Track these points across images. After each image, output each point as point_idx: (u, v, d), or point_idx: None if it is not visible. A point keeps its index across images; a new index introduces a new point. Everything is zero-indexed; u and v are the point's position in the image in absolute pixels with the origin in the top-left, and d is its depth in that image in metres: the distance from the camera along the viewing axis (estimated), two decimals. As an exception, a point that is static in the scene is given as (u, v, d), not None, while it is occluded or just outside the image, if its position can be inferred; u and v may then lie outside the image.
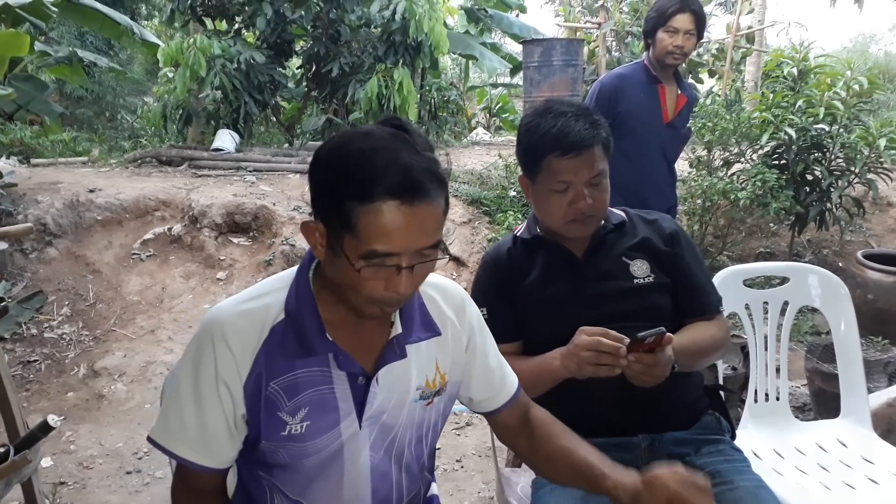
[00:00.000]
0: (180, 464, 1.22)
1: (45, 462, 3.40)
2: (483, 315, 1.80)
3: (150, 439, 1.22)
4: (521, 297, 1.77)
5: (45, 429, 2.81)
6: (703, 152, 5.16)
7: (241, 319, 1.19)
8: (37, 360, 4.42)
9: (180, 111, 7.83)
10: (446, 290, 1.37)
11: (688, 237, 1.85)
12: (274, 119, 9.04)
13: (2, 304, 4.56)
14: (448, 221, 5.70)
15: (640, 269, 1.76)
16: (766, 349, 2.19)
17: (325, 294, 1.21)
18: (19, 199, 5.57)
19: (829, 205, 4.79)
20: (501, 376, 1.42)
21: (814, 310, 4.70)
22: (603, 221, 1.79)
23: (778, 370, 2.21)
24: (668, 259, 1.77)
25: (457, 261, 5.30)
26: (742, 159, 5.04)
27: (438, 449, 3.49)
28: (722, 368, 2.63)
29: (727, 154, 5.10)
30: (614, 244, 1.79)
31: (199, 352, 1.19)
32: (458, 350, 1.34)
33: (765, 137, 4.72)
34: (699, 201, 5.04)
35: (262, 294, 1.24)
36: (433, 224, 1.10)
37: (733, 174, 5.01)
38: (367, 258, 1.08)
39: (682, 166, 5.50)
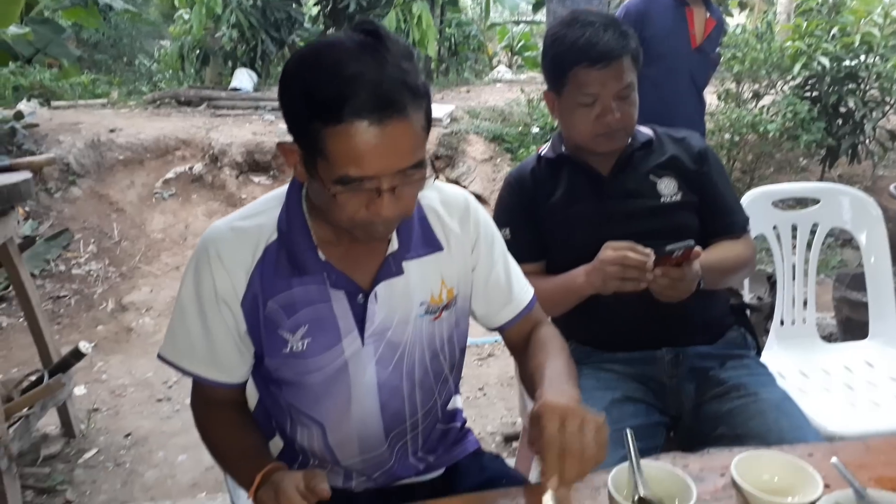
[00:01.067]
0: (195, 379, 1.24)
1: (79, 391, 3.50)
2: (506, 236, 1.78)
3: (160, 357, 1.23)
4: (546, 217, 1.75)
5: (77, 355, 2.89)
6: (731, 84, 5.03)
7: (234, 239, 1.18)
8: (66, 296, 4.52)
9: (197, 51, 7.77)
10: (449, 200, 1.30)
11: (716, 156, 1.80)
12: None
13: (31, 241, 4.64)
14: (469, 159, 5.66)
15: (667, 188, 1.72)
16: (793, 276, 2.16)
17: (317, 213, 1.17)
18: (41, 139, 5.61)
19: (861, 137, 4.67)
20: (508, 289, 1.36)
21: (843, 244, 4.66)
22: (630, 139, 1.74)
23: (805, 295, 2.18)
24: (696, 177, 1.73)
25: (478, 198, 5.27)
26: (773, 91, 4.91)
27: (461, 378, 3.53)
28: (748, 298, 2.61)
29: (757, 86, 4.97)
30: (641, 162, 1.74)
31: (198, 270, 1.18)
32: (465, 263, 1.30)
33: (797, 67, 4.57)
34: (727, 135, 4.93)
35: (256, 213, 1.21)
36: (410, 142, 1.02)
37: (763, 107, 4.88)
38: (342, 183, 1.01)
39: (709, 99, 5.37)
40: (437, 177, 1.11)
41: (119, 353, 3.90)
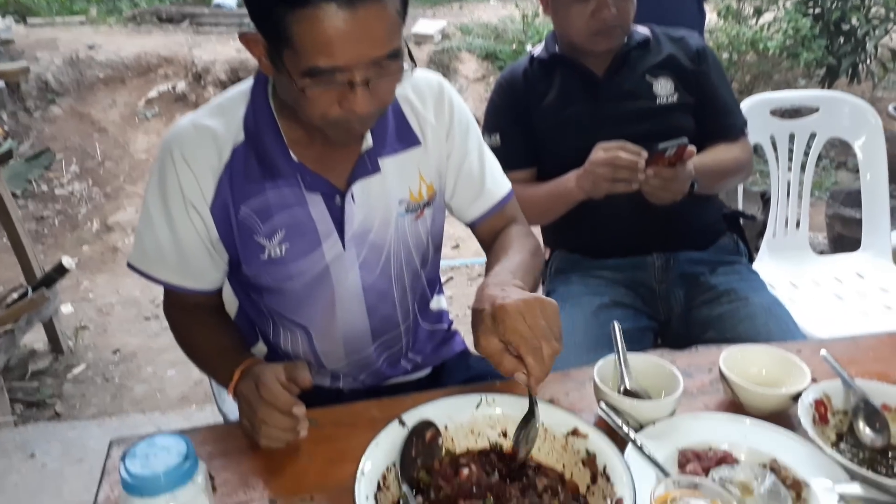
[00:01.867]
0: (166, 287, 1.19)
1: (66, 309, 3.48)
2: (495, 142, 1.73)
3: (129, 265, 1.17)
4: (538, 121, 1.68)
5: (60, 270, 2.85)
6: (732, 0, 4.86)
7: (199, 138, 1.09)
8: (50, 216, 4.45)
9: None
10: (421, 86, 1.20)
11: (715, 55, 1.73)
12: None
13: (8, 159, 4.53)
14: (461, 78, 5.51)
15: (663, 89, 1.65)
16: (788, 189, 2.11)
17: (287, 111, 1.08)
18: (18, 56, 5.39)
19: (862, 56, 4.55)
20: (481, 181, 1.28)
21: (837, 166, 4.61)
22: (626, 38, 1.66)
23: (800, 207, 2.14)
24: (694, 77, 1.66)
25: (469, 118, 5.16)
26: (774, 7, 4.74)
27: (450, 297, 3.53)
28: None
29: (758, 2, 4.80)
30: (637, 62, 1.67)
31: (163, 172, 1.11)
32: (440, 154, 1.22)
33: (800, -19, 4.41)
34: (725, 54, 4.80)
35: (221, 111, 1.12)
36: (384, 28, 0.92)
37: (764, 24, 4.73)
38: (311, 75, 0.92)
39: (709, 17, 5.19)
40: (414, 67, 1.01)
41: (105, 273, 3.87)
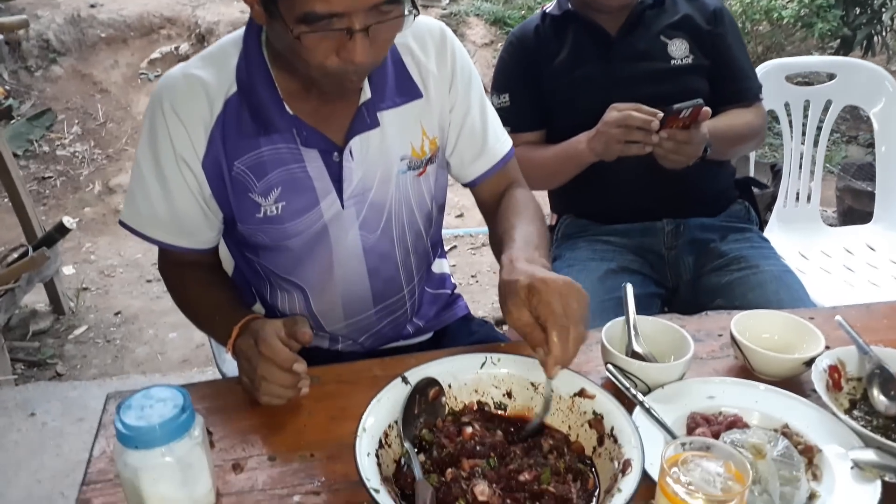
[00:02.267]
0: (160, 246, 1.16)
1: (68, 270, 3.46)
2: (504, 102, 1.68)
3: (122, 223, 1.14)
4: (549, 81, 1.64)
5: (61, 230, 2.82)
6: (746, -32, 4.74)
7: (189, 89, 1.04)
8: (52, 177, 4.41)
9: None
10: (422, 33, 1.14)
11: (731, 17, 1.68)
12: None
13: (10, 119, 4.48)
14: (468, 43, 5.41)
15: (678, 50, 1.60)
16: (800, 162, 2.07)
17: (282, 62, 1.03)
18: (18, 13, 5.30)
19: (878, 27, 4.45)
20: (483, 138, 1.22)
21: (848, 140, 4.54)
22: (641, -4, 1.61)
23: (812, 177, 2.10)
24: (710, 38, 1.61)
25: (476, 86, 5.08)
26: (789, -24, 4.63)
27: (453, 266, 3.51)
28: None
29: (773, -30, 4.68)
30: (652, 22, 1.62)
31: (153, 126, 1.07)
32: (443, 106, 1.16)
33: (817, -51, 4.29)
34: (738, 23, 4.69)
35: (212, 61, 1.07)
36: None
37: (778, -7, 4.62)
38: (306, 22, 0.88)
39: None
40: (416, 13, 0.96)
41: (107, 235, 3.84)
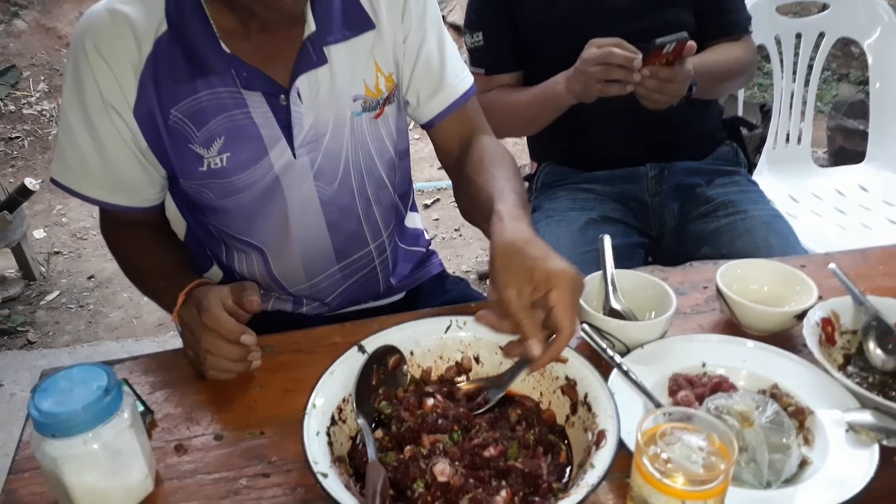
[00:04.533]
0: (97, 205, 1.05)
1: (38, 234, 3.36)
2: (477, 41, 1.57)
3: (53, 181, 1.03)
4: (524, 16, 1.52)
5: (23, 192, 2.70)
6: None
7: (114, 27, 0.93)
8: (19, 137, 4.25)
9: None
10: None
11: (719, -58, 1.55)
12: None
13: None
14: (447, -13, 5.20)
15: (662, -20, 1.49)
16: (791, 97, 1.97)
17: None
18: (-26, -35, 5.05)
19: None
20: (441, 71, 1.10)
21: (839, 78, 4.42)
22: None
23: (803, 114, 2.01)
24: (695, -34, 1.49)
25: (458, 30, 4.90)
26: None
27: (437, 220, 3.42)
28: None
29: None
30: (634, -50, 1.50)
31: (77, 70, 0.95)
32: (398, 38, 1.06)
33: None
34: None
35: None
36: None
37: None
38: None
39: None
40: None
41: (78, 196, 3.72)
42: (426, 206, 3.52)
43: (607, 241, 0.98)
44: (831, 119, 2.94)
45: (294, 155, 1.02)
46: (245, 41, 0.96)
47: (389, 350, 0.83)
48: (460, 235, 3.30)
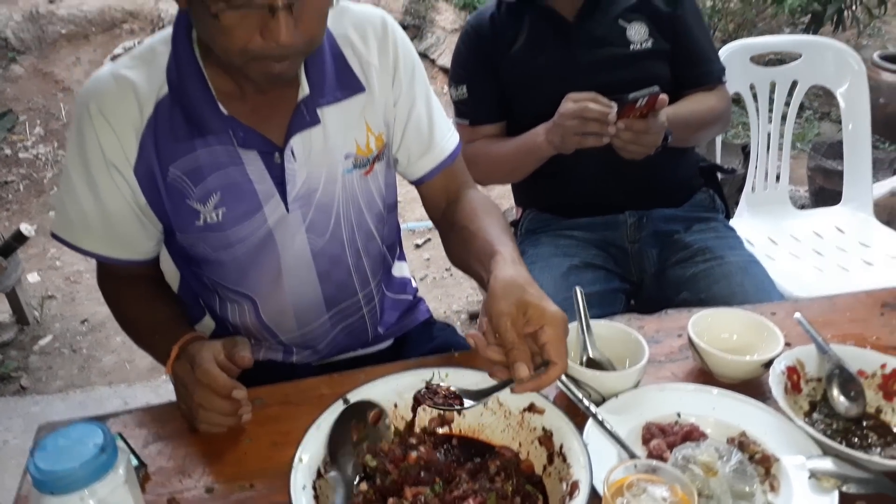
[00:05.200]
0: (96, 258, 1.10)
1: (32, 278, 3.38)
2: (462, 94, 1.63)
3: (53, 235, 1.08)
4: (506, 70, 1.59)
5: (19, 238, 2.74)
6: (716, -56, 4.69)
7: (118, 91, 0.99)
8: (14, 181, 4.30)
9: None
10: (362, 22, 1.09)
11: (692, -1, 1.63)
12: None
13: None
14: (437, 28, 5.33)
15: (637, 34, 1.56)
16: (768, 141, 2.03)
17: (214, 57, 0.97)
18: (-27, 12, 5.16)
19: (848, 2, 4.42)
20: (430, 133, 1.17)
21: (821, 117, 4.53)
22: (598, -22, 1.56)
23: (780, 159, 2.07)
24: (670, 21, 1.57)
25: (446, 72, 5.01)
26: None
27: (427, 259, 3.47)
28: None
29: (744, -55, 4.64)
30: (610, 5, 1.57)
31: (80, 131, 1.01)
32: (387, 100, 1.12)
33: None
34: (709, 2, 4.66)
35: (142, 61, 1.01)
36: None
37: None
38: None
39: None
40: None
41: (73, 239, 3.75)
42: (417, 246, 3.56)
43: (580, 293, 1.02)
44: (811, 159, 3.01)
45: (287, 209, 1.07)
46: (242, 102, 1.01)
47: (369, 405, 0.86)
48: (451, 275, 3.33)
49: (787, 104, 2.04)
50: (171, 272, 1.22)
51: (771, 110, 2.03)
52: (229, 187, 1.03)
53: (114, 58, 5.21)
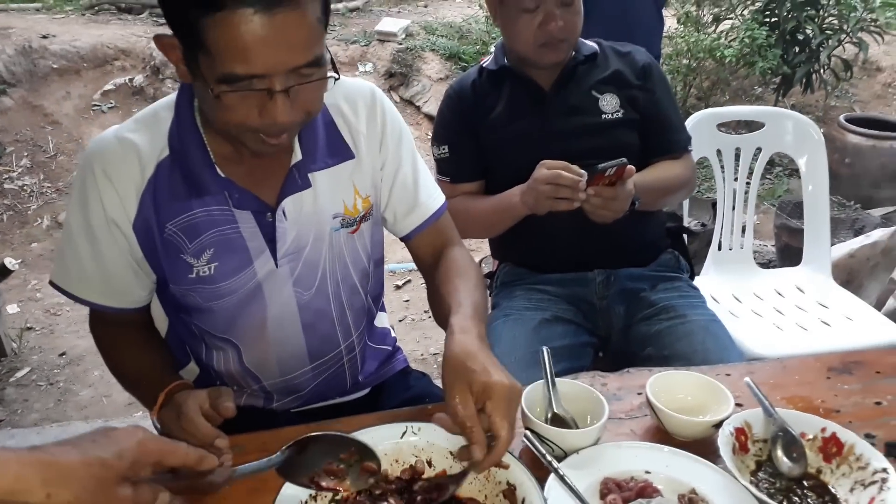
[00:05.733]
0: (90, 307, 1.16)
1: (12, 309, 3.39)
2: (443, 153, 1.72)
3: (52, 283, 1.14)
4: (485, 133, 1.68)
5: (2, 271, 2.78)
6: (692, 7, 4.92)
7: (122, 152, 1.06)
8: (-2, 211, 4.32)
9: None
10: (353, 94, 1.18)
11: (661, 72, 1.74)
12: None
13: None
14: (424, 77, 5.49)
15: (609, 104, 1.66)
16: (734, 202, 2.14)
17: (213, 123, 1.04)
18: (-33, 44, 5.22)
19: (816, 66, 4.64)
20: (415, 193, 1.25)
21: (790, 174, 4.70)
22: (574, 52, 1.67)
23: (745, 221, 2.18)
24: (639, 93, 1.67)
25: (431, 119, 5.14)
26: (732, 15, 4.82)
27: (407, 301, 3.53)
28: (690, 223, 2.61)
29: (717, 9, 4.87)
30: (584, 77, 1.68)
31: (83, 188, 1.08)
32: (374, 164, 1.20)
33: (758, -9, 4.48)
34: (684, 60, 4.86)
35: (145, 125, 1.09)
36: (305, 36, 0.90)
37: (722, 31, 4.80)
38: (227, 82, 0.90)
39: (669, 22, 5.25)
40: (337, 78, 0.99)
41: (54, 272, 3.77)
42: (397, 287, 3.63)
43: (546, 352, 1.09)
44: (777, 218, 3.14)
45: (276, 264, 1.14)
46: (238, 165, 1.09)
47: (372, 455, 0.90)
48: (429, 317, 3.39)
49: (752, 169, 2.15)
50: (160, 318, 1.27)
51: (737, 172, 2.14)
52: (222, 243, 1.10)
53: (105, 93, 5.29)
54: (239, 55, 0.88)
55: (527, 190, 1.49)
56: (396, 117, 1.24)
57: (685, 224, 2.10)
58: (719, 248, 2.16)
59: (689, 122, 2.01)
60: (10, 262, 2.79)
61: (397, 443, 0.96)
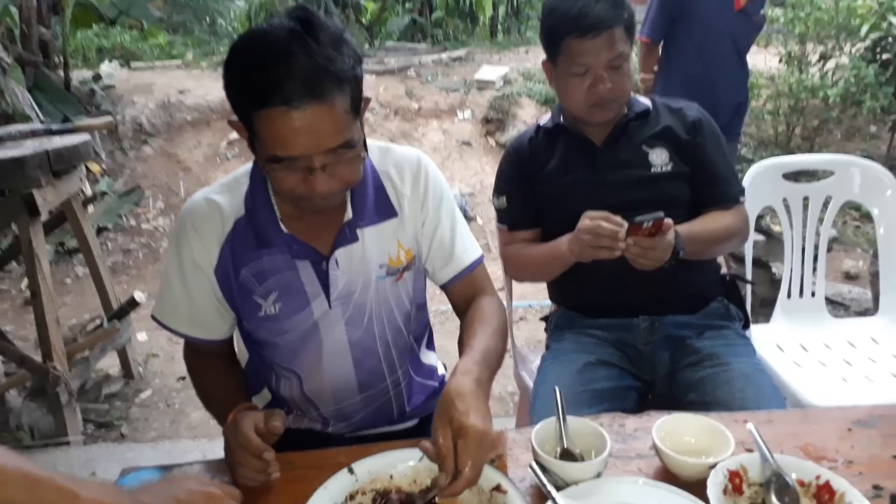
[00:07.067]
0: (182, 337, 1.39)
1: (141, 337, 3.81)
2: (502, 204, 1.87)
3: (153, 318, 1.38)
4: (540, 186, 1.81)
5: (132, 304, 3.17)
6: (795, 46, 4.81)
7: (208, 212, 1.29)
8: (135, 249, 4.87)
9: (263, 12, 7.97)
10: (401, 162, 1.37)
11: (712, 126, 1.81)
12: (354, 19, 9.05)
13: (104, 196, 4.99)
14: (519, 122, 5.66)
15: (658, 158, 1.74)
16: (803, 250, 2.13)
17: None
18: (118, 100, 5.97)
19: (933, 103, 4.40)
20: (451, 247, 1.41)
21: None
22: (626, 109, 1.77)
23: (815, 269, 2.15)
24: (689, 147, 1.74)
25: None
26: (839, 53, 4.67)
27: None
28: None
29: (822, 48, 4.73)
30: (635, 133, 1.77)
31: (178, 239, 1.31)
32: (416, 221, 1.37)
33: (865, 28, 4.33)
34: (786, 101, 4.74)
35: (228, 189, 1.31)
36: (333, 125, 1.09)
37: (828, 70, 4.66)
38: (273, 161, 1.11)
39: (771, 62, 5.15)
40: (367, 155, 1.19)
41: (178, 303, 4.19)
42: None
43: (559, 392, 1.19)
44: (872, 264, 3.01)
45: (330, 306, 1.33)
46: (299, 222, 1.30)
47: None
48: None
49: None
50: (241, 351, 1.51)
51: (805, 220, 2.13)
52: (285, 287, 1.31)
53: (230, 143, 5.85)
54: (279, 142, 1.09)
55: (572, 239, 1.60)
56: (439, 182, 1.41)
57: (746, 261, 2.11)
58: (788, 297, 2.15)
59: (752, 172, 2.04)
60: (139, 295, 3.18)
61: (415, 465, 1.09)
